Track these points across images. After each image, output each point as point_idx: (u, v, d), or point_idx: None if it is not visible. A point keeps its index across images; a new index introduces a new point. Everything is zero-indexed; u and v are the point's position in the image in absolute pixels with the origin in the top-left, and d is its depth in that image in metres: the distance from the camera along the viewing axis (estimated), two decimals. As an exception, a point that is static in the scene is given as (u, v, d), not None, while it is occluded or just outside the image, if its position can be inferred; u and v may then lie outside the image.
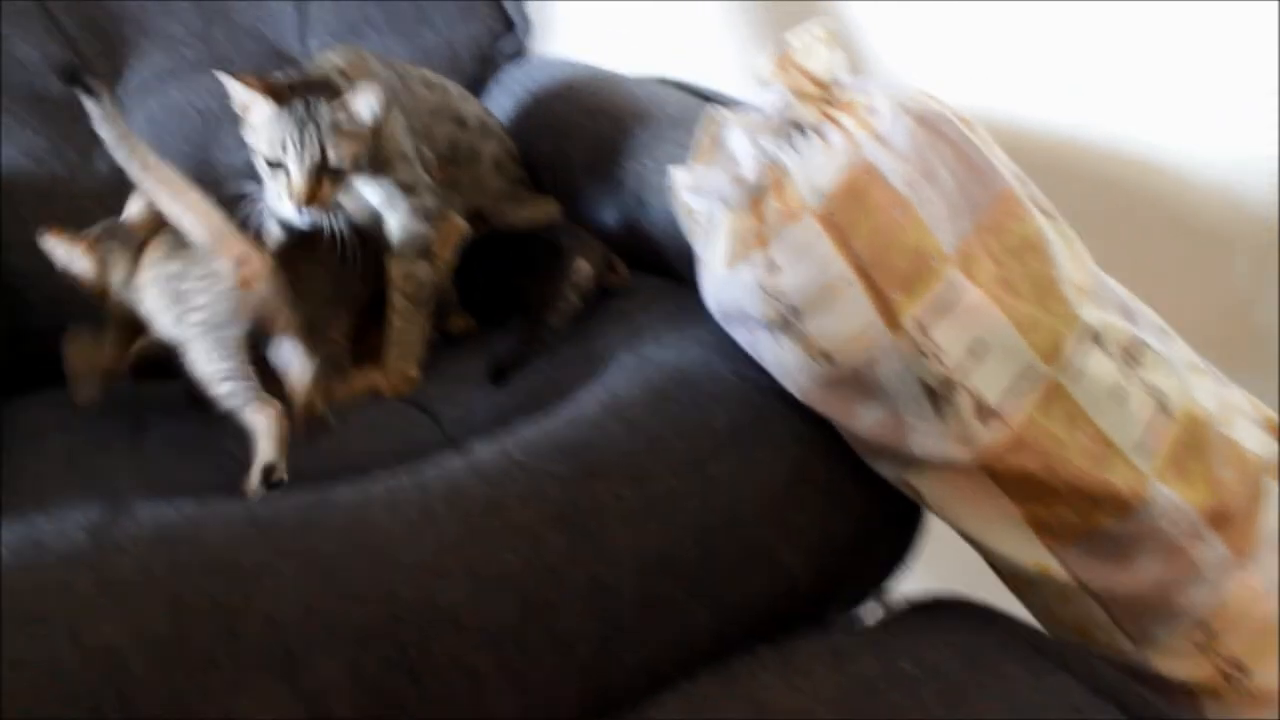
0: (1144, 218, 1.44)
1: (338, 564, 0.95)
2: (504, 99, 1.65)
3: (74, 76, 1.09)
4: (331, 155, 1.22)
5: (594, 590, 0.99)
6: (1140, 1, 1.39)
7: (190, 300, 1.16)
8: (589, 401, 1.12)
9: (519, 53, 1.75)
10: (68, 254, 1.21)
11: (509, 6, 1.75)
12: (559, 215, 1.48)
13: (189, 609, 0.91)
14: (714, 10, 1.97)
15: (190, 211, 1.16)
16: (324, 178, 1.23)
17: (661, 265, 1.38)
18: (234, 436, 1.17)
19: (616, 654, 1.00)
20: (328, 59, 1.33)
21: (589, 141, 1.48)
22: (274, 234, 1.34)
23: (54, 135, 1.50)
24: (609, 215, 1.44)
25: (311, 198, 1.23)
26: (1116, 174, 1.45)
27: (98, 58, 1.58)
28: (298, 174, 1.22)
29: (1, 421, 1.22)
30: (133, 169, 1.14)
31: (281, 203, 1.24)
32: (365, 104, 1.22)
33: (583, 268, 1.31)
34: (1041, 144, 1.49)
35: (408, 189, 1.32)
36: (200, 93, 1.57)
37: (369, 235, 1.34)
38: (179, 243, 1.18)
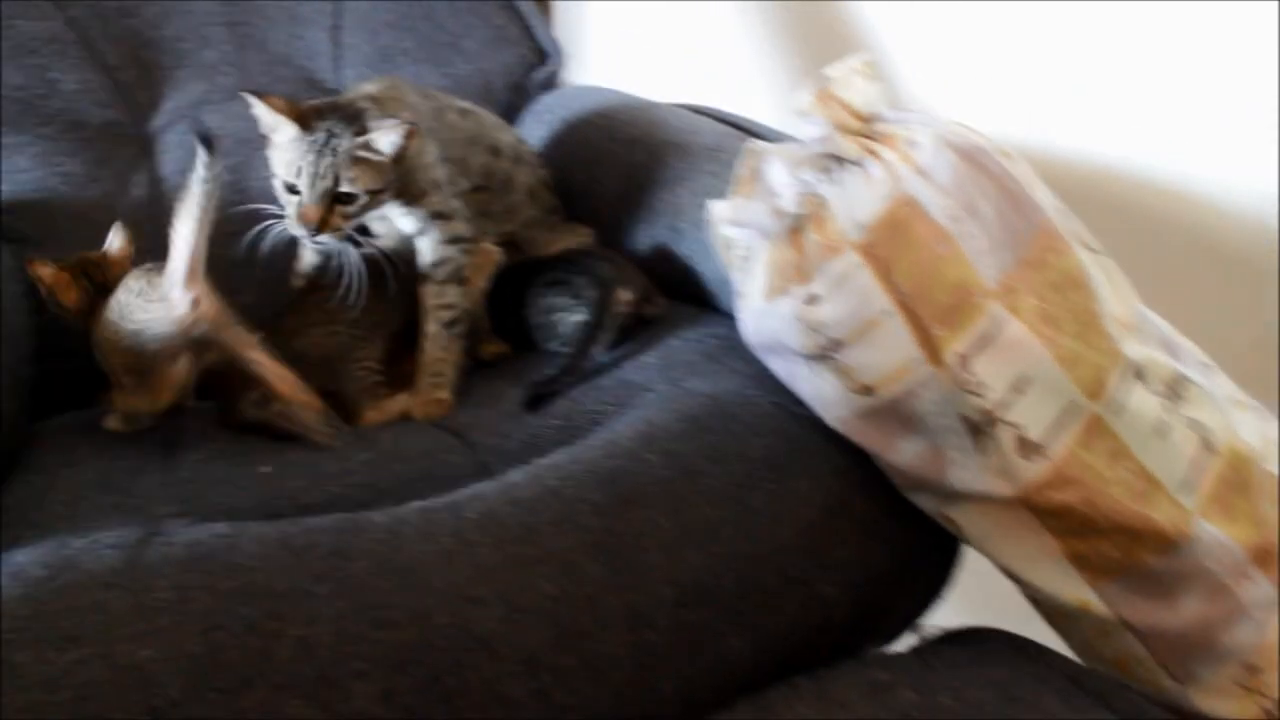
0: (1177, 247, 1.44)
1: (371, 588, 0.95)
2: (537, 127, 1.65)
3: (207, 139, 1.16)
4: (345, 184, 1.22)
5: (630, 619, 0.98)
6: (1176, 33, 1.39)
7: (131, 314, 1.20)
8: (625, 430, 1.12)
9: (552, 82, 1.76)
10: (52, 280, 1.24)
11: (541, 36, 1.76)
12: (592, 243, 1.48)
13: (223, 631, 0.90)
14: (741, 38, 1.98)
15: (184, 243, 1.19)
16: (335, 205, 1.23)
17: (695, 294, 1.38)
18: (267, 459, 1.17)
19: (652, 683, 0.98)
20: (362, 88, 1.33)
21: (623, 170, 1.48)
22: (308, 258, 1.35)
23: (91, 162, 1.50)
24: (642, 243, 1.44)
25: (322, 224, 1.23)
26: (1150, 204, 1.45)
27: (136, 85, 1.59)
28: (309, 199, 1.23)
29: (35, 441, 1.21)
30: (183, 211, 1.18)
31: (295, 227, 1.25)
32: (387, 138, 1.22)
33: (623, 297, 1.30)
34: (1074, 173, 1.49)
35: (441, 216, 1.32)
36: (235, 118, 1.57)
37: (403, 261, 1.34)
38: (154, 275, 1.21)
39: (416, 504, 1.04)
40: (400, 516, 1.01)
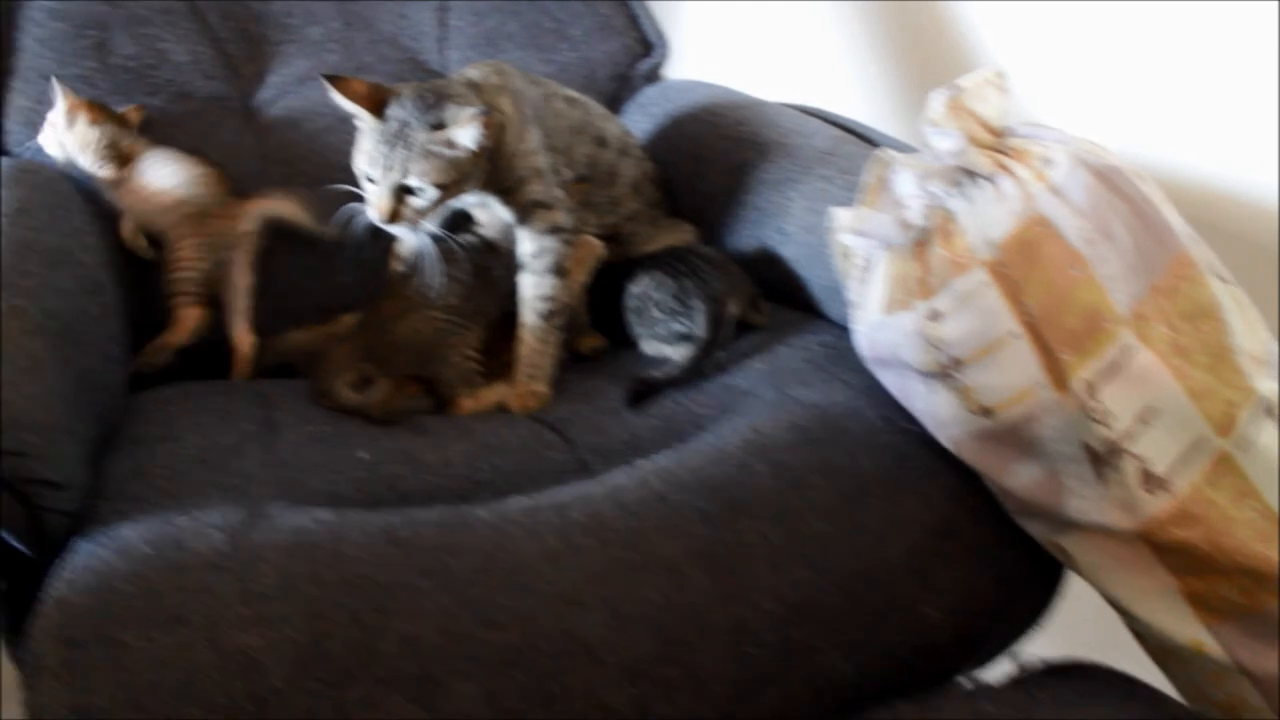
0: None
1: (477, 587, 0.94)
2: (642, 120, 1.63)
3: None
4: (412, 178, 1.20)
5: (735, 632, 0.97)
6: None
7: None
8: (732, 437, 1.10)
9: (655, 73, 1.74)
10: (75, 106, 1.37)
11: (647, 27, 1.74)
12: (695, 240, 1.46)
13: (328, 622, 0.90)
14: (834, 36, 1.96)
15: None
16: (405, 197, 1.22)
17: (798, 298, 1.36)
18: (364, 443, 1.17)
19: (753, 699, 0.97)
20: (466, 73, 1.32)
21: (730, 168, 1.46)
22: (409, 242, 1.34)
23: (196, 133, 1.50)
24: (746, 243, 1.42)
25: (394, 215, 1.22)
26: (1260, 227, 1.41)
27: (244, 59, 1.59)
28: (378, 190, 1.22)
29: (134, 413, 1.22)
30: None
31: (373, 215, 1.24)
32: (466, 130, 1.20)
33: (732, 306, 1.29)
34: (1194, 195, 1.45)
35: (541, 205, 1.30)
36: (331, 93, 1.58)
37: (505, 250, 1.33)
38: None
39: (520, 501, 1.03)
40: (505, 514, 1.00)
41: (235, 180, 1.44)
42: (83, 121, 1.37)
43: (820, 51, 2.02)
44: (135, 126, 1.43)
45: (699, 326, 1.27)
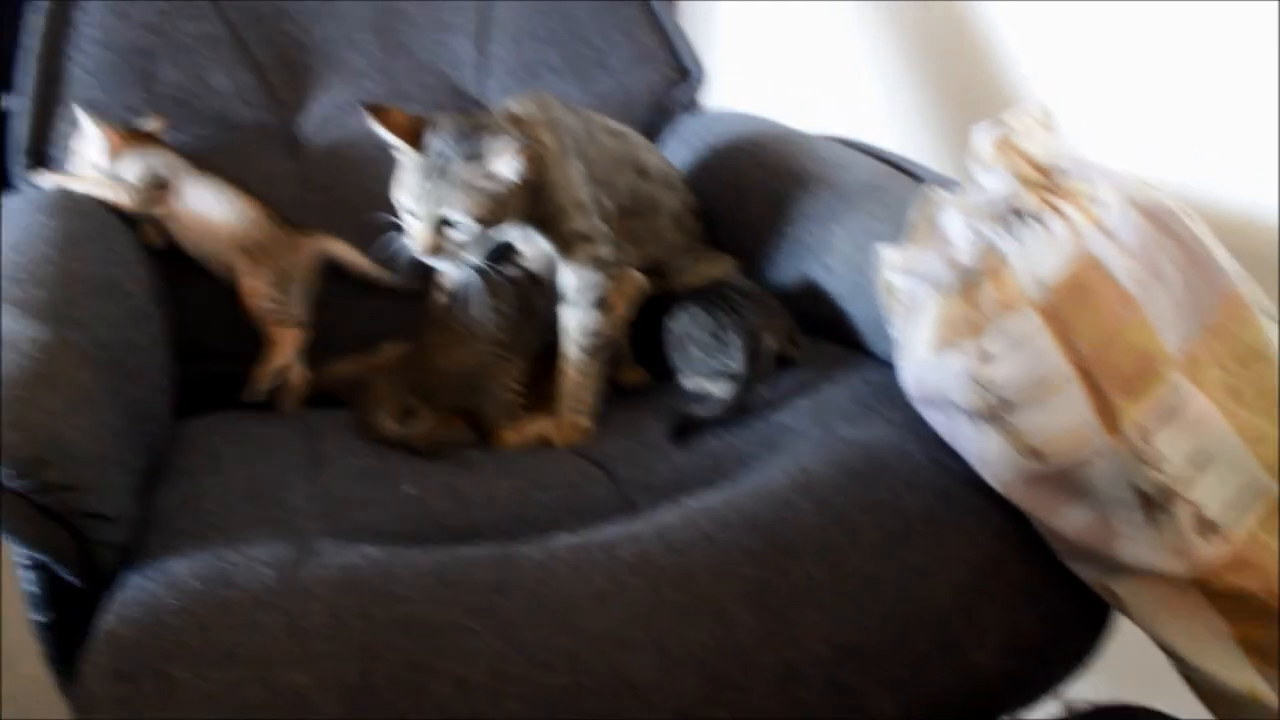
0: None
1: (526, 628, 0.94)
2: (681, 150, 1.63)
3: None
4: (450, 211, 1.20)
5: (784, 674, 0.96)
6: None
7: None
8: (778, 476, 1.10)
9: (693, 102, 1.74)
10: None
11: (685, 55, 1.74)
12: (734, 273, 1.45)
13: (379, 661, 0.90)
14: (868, 67, 1.96)
15: None
16: (444, 230, 1.22)
17: (843, 333, 1.35)
18: (409, 477, 1.17)
19: (801, 741, 0.96)
20: (509, 105, 1.32)
21: (771, 200, 1.45)
22: (452, 274, 1.34)
23: (239, 161, 1.51)
24: (788, 276, 1.42)
25: (434, 248, 1.22)
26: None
27: (284, 87, 1.60)
28: (417, 223, 1.22)
29: (180, 444, 1.22)
30: None
31: (413, 247, 1.24)
32: (505, 161, 1.20)
33: (769, 340, 1.28)
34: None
35: (583, 239, 1.30)
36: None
37: (548, 282, 1.33)
38: None
39: (567, 539, 1.03)
40: (553, 552, 1.00)
41: (280, 210, 1.44)
42: (127, 154, 1.38)
43: (854, 81, 2.02)
44: (161, 137, 1.44)
45: (737, 363, 1.27)
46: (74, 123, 1.43)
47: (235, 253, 1.39)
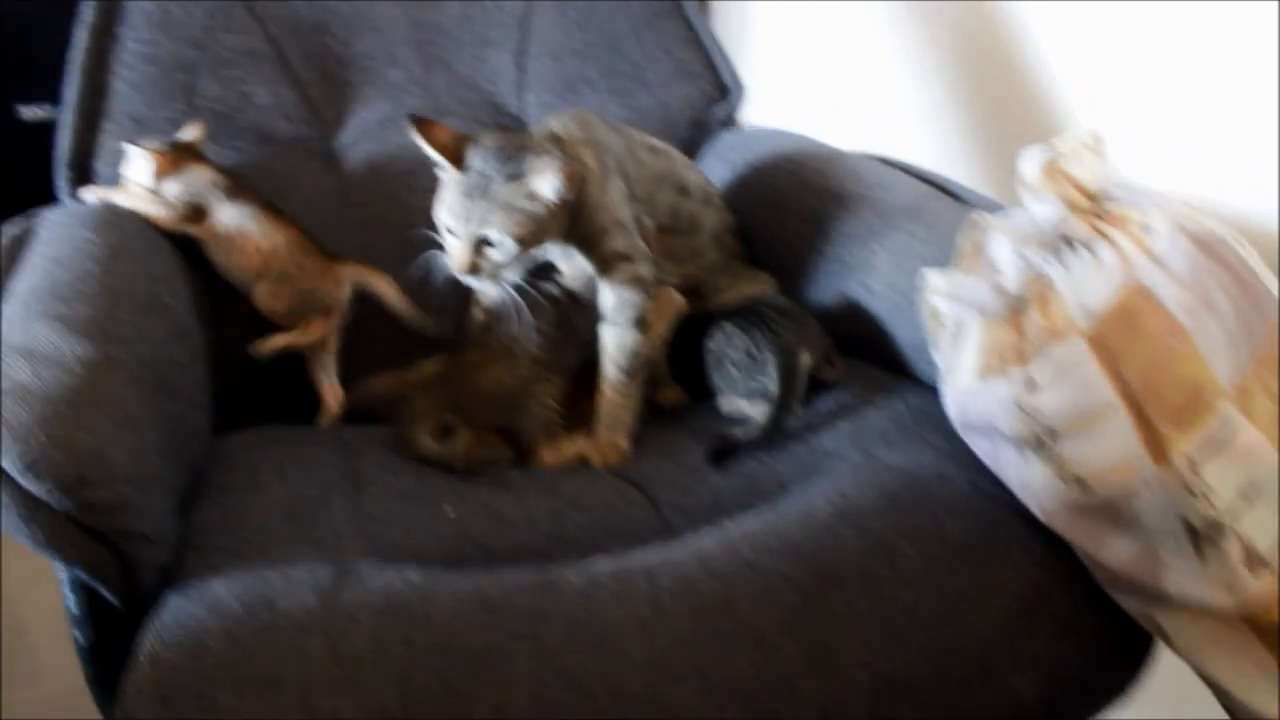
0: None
1: (567, 654, 0.93)
2: (720, 166, 1.63)
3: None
4: (490, 231, 1.20)
5: (826, 705, 0.95)
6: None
7: None
8: (818, 501, 1.09)
9: (731, 118, 1.73)
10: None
11: (724, 71, 1.73)
12: (773, 291, 1.44)
13: (419, 688, 0.90)
14: (908, 86, 1.94)
15: None
16: (484, 249, 1.22)
17: (883, 355, 1.34)
18: (448, 497, 1.17)
19: (843, 773, 0.96)
20: (549, 123, 1.32)
21: (811, 219, 1.45)
22: (491, 294, 1.34)
23: (278, 175, 1.52)
24: (828, 296, 1.41)
25: (473, 267, 1.22)
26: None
27: (324, 101, 1.60)
28: (456, 243, 1.22)
29: (218, 459, 1.22)
30: None
31: (452, 266, 1.24)
32: (547, 181, 1.20)
33: (805, 358, 1.27)
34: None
35: (623, 258, 1.30)
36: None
37: (588, 300, 1.33)
38: None
39: (607, 563, 1.02)
40: (594, 578, 1.00)
41: (320, 238, 1.44)
42: (171, 175, 1.39)
43: (892, 99, 2.01)
44: (201, 147, 1.44)
45: (771, 381, 1.26)
46: (116, 135, 1.44)
47: (253, 277, 1.39)
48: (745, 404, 1.30)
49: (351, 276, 1.43)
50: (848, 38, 2.08)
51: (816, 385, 1.31)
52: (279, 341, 1.38)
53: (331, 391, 1.41)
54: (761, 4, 2.24)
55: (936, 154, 1.86)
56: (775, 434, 1.24)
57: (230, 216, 1.39)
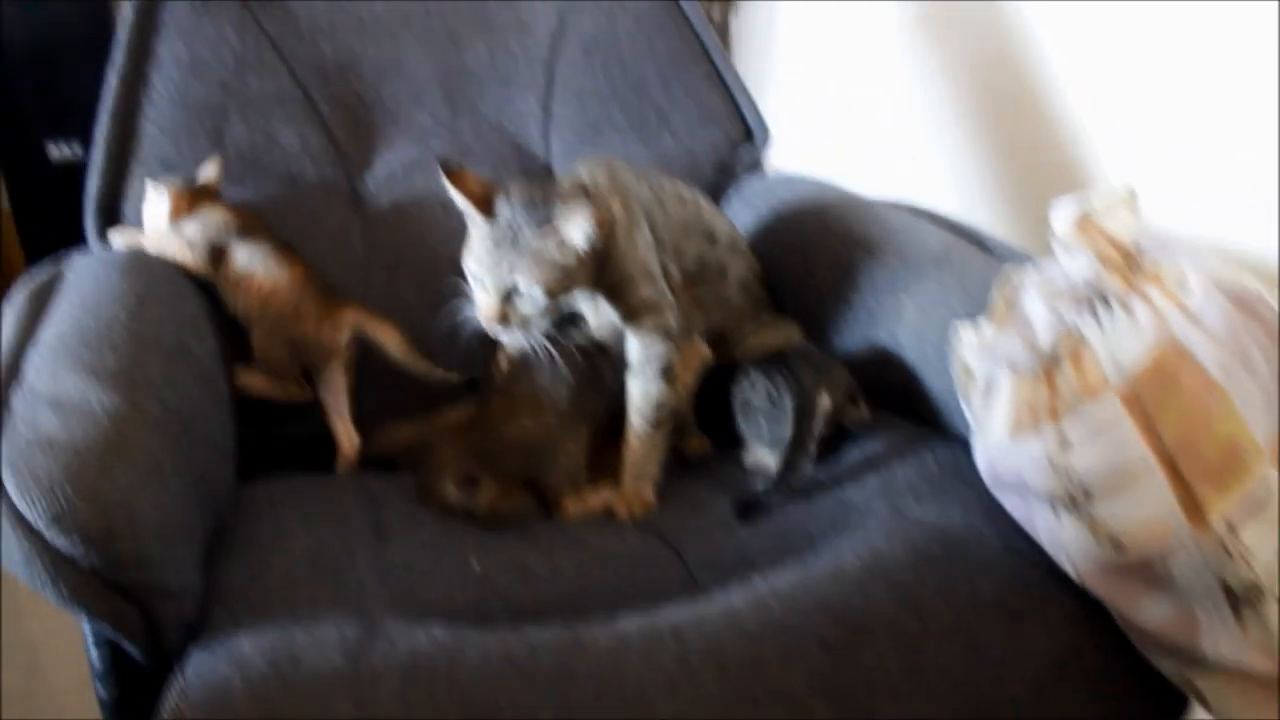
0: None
1: (595, 716, 0.92)
2: (745, 212, 1.62)
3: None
4: (520, 281, 1.19)
5: (857, 767, 0.94)
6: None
7: None
8: (849, 558, 1.07)
9: (756, 163, 1.73)
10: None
11: (749, 115, 1.73)
12: (799, 339, 1.43)
13: (447, 749, 0.89)
14: (931, 133, 1.94)
15: None
16: (513, 299, 1.21)
17: (908, 404, 1.33)
18: (474, 549, 1.16)
19: (872, 839, 0.94)
20: (577, 172, 1.31)
21: (838, 266, 1.44)
22: (519, 344, 1.33)
23: (305, 216, 1.52)
24: (853, 344, 1.40)
25: (502, 318, 1.21)
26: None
27: (351, 144, 1.60)
28: (484, 294, 1.21)
29: (242, 508, 1.22)
30: None
31: (479, 316, 1.23)
32: (578, 229, 1.19)
33: (824, 400, 1.26)
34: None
35: (650, 307, 1.29)
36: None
37: (612, 351, 1.32)
38: None
39: (635, 621, 1.01)
40: (621, 636, 0.99)
41: (338, 280, 1.44)
42: (187, 216, 1.39)
43: (917, 147, 2.00)
44: (218, 187, 1.44)
45: (789, 427, 1.25)
46: (145, 179, 1.45)
47: (255, 320, 1.39)
48: (766, 453, 1.29)
49: (352, 322, 1.41)
50: (874, 84, 2.08)
51: (844, 435, 1.30)
52: (256, 383, 1.38)
53: (347, 437, 1.40)
54: (785, 49, 2.25)
55: (962, 202, 1.85)
56: (789, 476, 1.23)
57: (242, 257, 1.40)
